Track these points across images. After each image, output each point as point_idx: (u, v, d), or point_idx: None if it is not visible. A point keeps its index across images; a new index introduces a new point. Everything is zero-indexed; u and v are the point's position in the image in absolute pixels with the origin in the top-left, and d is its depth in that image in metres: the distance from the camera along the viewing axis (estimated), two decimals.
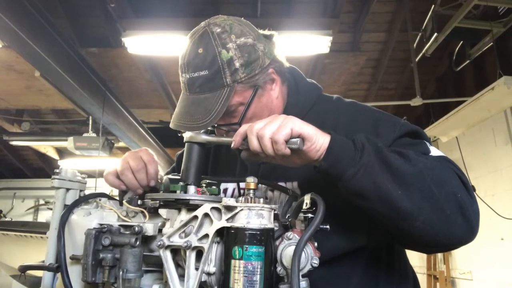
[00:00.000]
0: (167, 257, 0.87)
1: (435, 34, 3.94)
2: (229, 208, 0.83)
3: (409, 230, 0.85)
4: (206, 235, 0.84)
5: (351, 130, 0.97)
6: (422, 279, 5.68)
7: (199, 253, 0.85)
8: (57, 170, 0.99)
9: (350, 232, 0.99)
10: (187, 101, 1.04)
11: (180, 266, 0.89)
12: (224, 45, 0.99)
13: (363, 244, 1.01)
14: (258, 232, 0.79)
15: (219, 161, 1.28)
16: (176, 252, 0.89)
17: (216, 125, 1.05)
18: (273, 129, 0.84)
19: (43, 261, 0.96)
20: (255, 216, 0.81)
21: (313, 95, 1.21)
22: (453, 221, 0.84)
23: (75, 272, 0.89)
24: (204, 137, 1.00)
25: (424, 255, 5.66)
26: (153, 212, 0.93)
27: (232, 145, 0.92)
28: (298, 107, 1.15)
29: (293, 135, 0.84)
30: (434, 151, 0.97)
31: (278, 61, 1.11)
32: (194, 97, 1.03)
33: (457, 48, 4.76)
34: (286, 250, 0.83)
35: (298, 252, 0.76)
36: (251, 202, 0.84)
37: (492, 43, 3.83)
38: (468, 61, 4.52)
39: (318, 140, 0.86)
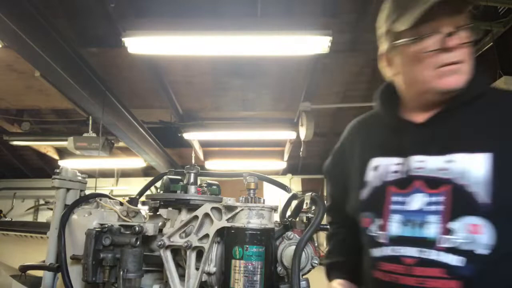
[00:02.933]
0: (167, 257, 0.87)
1: None
2: (229, 208, 0.83)
3: None
4: (207, 235, 0.84)
5: None
6: None
7: (200, 253, 0.85)
8: (58, 170, 0.99)
9: None
10: None
11: (180, 266, 0.89)
12: None
13: None
14: (259, 232, 0.79)
15: (375, 138, 1.19)
16: (177, 252, 0.89)
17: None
18: None
19: (44, 261, 0.96)
20: (255, 216, 0.81)
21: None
22: None
23: (75, 272, 0.89)
24: None
25: None
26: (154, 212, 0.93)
27: None
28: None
29: None
30: None
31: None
32: None
33: None
34: (286, 250, 0.83)
35: (298, 252, 0.76)
36: (251, 202, 0.84)
37: (492, 43, 3.83)
38: None
39: None
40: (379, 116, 1.20)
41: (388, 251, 1.02)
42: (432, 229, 0.97)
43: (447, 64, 1.00)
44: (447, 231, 0.95)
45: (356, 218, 1.14)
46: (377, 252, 1.05)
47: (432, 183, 1.00)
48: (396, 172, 1.06)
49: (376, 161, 1.12)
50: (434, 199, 0.99)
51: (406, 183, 1.03)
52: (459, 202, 0.96)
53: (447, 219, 0.96)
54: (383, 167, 1.09)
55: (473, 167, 0.95)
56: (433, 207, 0.98)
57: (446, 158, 0.99)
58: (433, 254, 0.95)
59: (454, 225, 0.95)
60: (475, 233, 0.93)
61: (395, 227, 1.03)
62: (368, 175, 1.12)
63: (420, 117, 1.07)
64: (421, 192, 1.01)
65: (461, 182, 0.96)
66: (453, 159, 0.98)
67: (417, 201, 1.01)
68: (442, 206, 0.97)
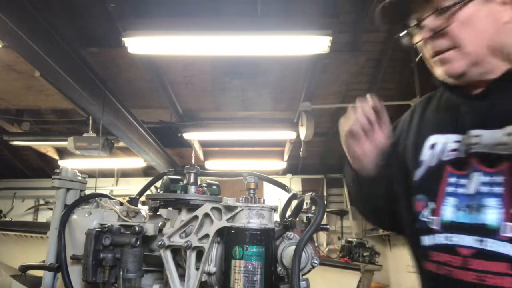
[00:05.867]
0: (167, 257, 0.87)
1: None
2: (229, 208, 0.83)
3: None
4: (207, 235, 0.84)
5: None
6: None
7: (200, 253, 0.85)
8: (58, 170, 0.99)
9: None
10: None
11: (180, 266, 0.89)
12: None
13: None
14: (259, 232, 0.79)
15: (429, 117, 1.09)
16: (177, 252, 0.89)
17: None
18: None
19: (44, 261, 0.96)
20: (255, 216, 0.81)
21: None
22: None
23: (75, 272, 0.89)
24: None
25: None
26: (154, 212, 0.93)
27: None
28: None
29: None
30: None
31: None
32: None
33: None
34: (286, 250, 0.83)
35: (298, 252, 0.76)
36: (251, 202, 0.84)
37: None
38: None
39: None
40: (438, 94, 1.08)
41: (440, 239, 0.91)
42: (493, 215, 0.84)
43: (436, 53, 0.94)
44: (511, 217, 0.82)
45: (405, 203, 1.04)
46: (428, 240, 0.94)
47: (491, 160, 0.87)
48: (454, 150, 0.95)
49: (433, 139, 1.00)
50: (492, 178, 0.87)
51: (464, 162, 0.92)
52: None
53: (510, 202, 0.83)
54: (440, 145, 0.98)
55: None
56: (493, 188, 0.86)
57: (506, 131, 0.85)
58: (496, 245, 0.83)
59: None
60: None
61: (449, 211, 0.91)
62: (424, 153, 1.01)
63: (475, 89, 0.95)
64: (478, 171, 0.89)
65: None
66: (510, 130, 0.84)
67: (475, 182, 0.89)
68: (503, 187, 0.85)
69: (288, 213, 0.95)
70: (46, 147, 7.61)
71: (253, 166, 7.46)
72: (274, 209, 0.86)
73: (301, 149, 5.71)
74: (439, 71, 0.95)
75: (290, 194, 1.01)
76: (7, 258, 4.05)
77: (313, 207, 0.89)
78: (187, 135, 5.80)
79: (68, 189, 1.01)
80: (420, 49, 1.00)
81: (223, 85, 4.92)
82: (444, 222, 0.91)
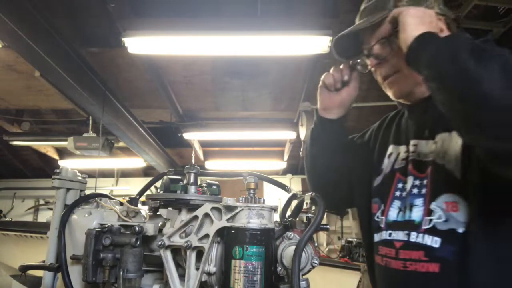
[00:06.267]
0: (167, 257, 0.87)
1: None
2: (229, 208, 0.83)
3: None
4: (207, 235, 0.84)
5: None
6: None
7: (200, 253, 0.85)
8: (58, 170, 0.99)
9: None
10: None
11: (180, 266, 0.89)
12: None
13: None
14: (259, 232, 0.79)
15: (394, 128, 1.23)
16: (177, 252, 0.89)
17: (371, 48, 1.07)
18: None
19: (44, 261, 0.96)
20: (255, 216, 0.81)
21: None
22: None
23: (75, 272, 0.89)
24: None
25: None
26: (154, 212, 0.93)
27: None
28: None
29: None
30: None
31: (450, 19, 1.04)
32: (361, 20, 1.10)
33: None
34: (286, 250, 0.83)
35: (298, 252, 0.76)
36: (251, 202, 0.84)
37: None
38: None
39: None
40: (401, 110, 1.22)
41: (385, 235, 1.05)
42: (418, 212, 0.98)
43: (384, 78, 1.08)
44: (429, 212, 0.96)
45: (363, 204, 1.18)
46: (377, 236, 1.08)
47: (421, 166, 1.02)
48: (404, 159, 1.09)
49: (390, 149, 1.15)
50: (421, 182, 1.01)
51: (406, 169, 1.06)
52: (438, 181, 0.97)
53: (430, 200, 0.97)
54: (395, 154, 1.12)
55: (451, 146, 0.95)
56: (421, 190, 1.00)
57: (433, 140, 1.01)
58: (416, 237, 0.96)
59: (433, 205, 0.96)
60: (451, 211, 0.92)
61: (393, 212, 1.05)
62: (384, 162, 1.14)
63: (419, 106, 1.09)
64: (412, 176, 1.03)
65: (441, 161, 0.97)
66: (437, 139, 0.99)
67: (409, 185, 1.03)
68: (426, 188, 0.99)
69: (288, 213, 0.95)
70: (46, 147, 7.61)
71: (253, 166, 7.46)
72: (274, 209, 0.86)
73: (301, 149, 5.71)
74: (390, 93, 1.10)
75: (290, 194, 1.01)
76: (7, 258, 4.05)
77: (313, 207, 0.89)
78: (187, 135, 5.80)
79: (68, 189, 1.00)
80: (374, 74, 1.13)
81: (223, 85, 4.92)
82: (388, 221, 1.05)
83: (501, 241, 0.88)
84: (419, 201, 0.99)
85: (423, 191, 0.99)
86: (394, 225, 1.03)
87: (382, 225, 1.07)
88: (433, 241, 0.93)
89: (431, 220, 0.95)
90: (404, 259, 0.97)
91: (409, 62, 0.90)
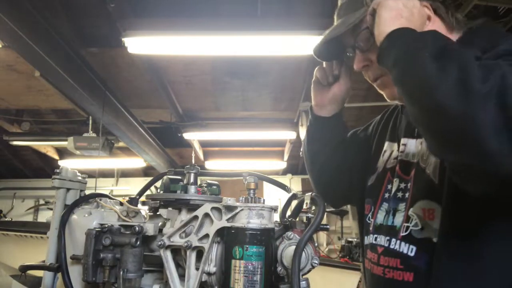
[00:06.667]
0: (167, 257, 0.87)
1: None
2: (229, 208, 0.83)
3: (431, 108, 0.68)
4: (207, 235, 0.84)
5: None
6: None
7: (200, 253, 0.85)
8: (58, 170, 0.99)
9: None
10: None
11: (180, 266, 0.89)
12: None
13: None
14: (259, 232, 0.79)
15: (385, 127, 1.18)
16: (177, 252, 0.89)
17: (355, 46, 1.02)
18: None
19: (44, 261, 0.96)
20: (255, 216, 0.81)
21: None
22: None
23: (75, 272, 0.89)
24: None
25: None
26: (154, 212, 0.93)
27: None
28: None
29: None
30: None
31: (437, 4, 0.95)
32: (339, 20, 1.06)
33: None
34: (286, 250, 0.83)
35: (298, 252, 0.76)
36: (251, 202, 0.84)
37: None
38: None
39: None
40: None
41: (371, 239, 1.01)
42: (399, 218, 0.93)
43: (373, 80, 1.03)
44: (408, 219, 0.91)
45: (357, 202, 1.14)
46: (367, 239, 1.04)
47: (407, 168, 0.97)
48: (395, 158, 1.03)
49: (385, 146, 1.09)
50: (405, 185, 0.96)
51: (395, 170, 1.01)
52: (419, 186, 0.91)
53: (409, 206, 0.92)
54: (388, 152, 1.07)
55: None
56: (404, 194, 0.95)
57: (420, 139, 0.95)
58: (394, 244, 0.92)
59: (411, 211, 0.91)
60: (428, 219, 0.87)
61: (380, 215, 1.01)
62: (379, 160, 1.09)
63: None
64: (398, 178, 0.98)
65: (423, 164, 0.92)
66: (423, 139, 0.92)
67: (394, 188, 0.98)
68: (408, 192, 0.94)
69: (288, 213, 0.95)
70: (46, 147, 7.61)
71: (253, 166, 7.46)
72: (274, 209, 0.86)
73: (301, 149, 5.71)
74: (384, 94, 1.03)
75: (290, 194, 1.01)
76: (7, 258, 4.05)
77: (313, 207, 0.89)
78: (187, 135, 5.80)
79: (68, 189, 1.00)
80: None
81: (223, 85, 4.92)
82: (376, 224, 1.01)
83: (473, 255, 0.81)
84: (402, 206, 0.94)
85: (406, 195, 0.94)
86: (379, 229, 0.99)
87: (371, 228, 1.03)
88: (409, 249, 0.89)
89: (408, 227, 0.90)
90: (384, 265, 0.94)
91: (378, 61, 0.86)
